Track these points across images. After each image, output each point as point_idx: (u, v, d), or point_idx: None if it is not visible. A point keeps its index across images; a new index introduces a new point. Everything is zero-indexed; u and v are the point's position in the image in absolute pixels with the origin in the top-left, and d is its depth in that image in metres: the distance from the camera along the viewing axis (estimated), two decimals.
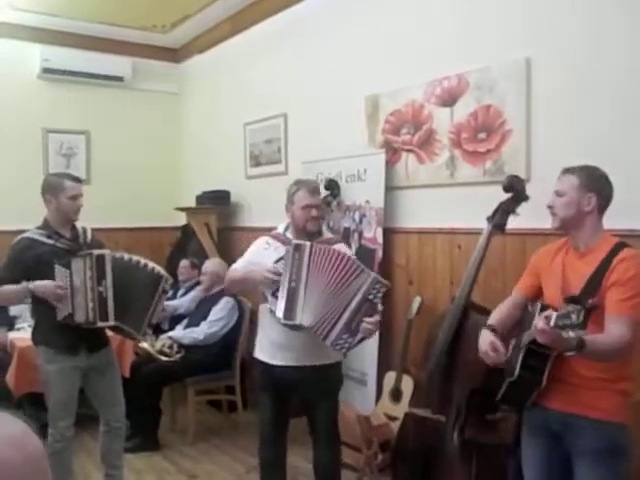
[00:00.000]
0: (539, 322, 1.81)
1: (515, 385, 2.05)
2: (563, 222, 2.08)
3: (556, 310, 1.83)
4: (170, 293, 4.98)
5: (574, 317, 1.67)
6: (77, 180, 2.98)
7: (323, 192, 3.93)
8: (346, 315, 2.49)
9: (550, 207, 2.10)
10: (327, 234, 2.99)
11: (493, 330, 2.19)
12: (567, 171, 2.10)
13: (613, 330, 1.89)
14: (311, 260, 2.56)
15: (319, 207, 2.79)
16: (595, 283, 1.96)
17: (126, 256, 2.96)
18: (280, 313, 2.56)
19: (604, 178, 2.07)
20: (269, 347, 2.78)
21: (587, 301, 1.71)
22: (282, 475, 2.93)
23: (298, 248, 2.58)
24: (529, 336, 1.97)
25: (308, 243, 2.60)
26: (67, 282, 2.79)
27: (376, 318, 2.50)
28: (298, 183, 2.85)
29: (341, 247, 2.77)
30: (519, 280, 2.33)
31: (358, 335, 2.50)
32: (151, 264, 2.99)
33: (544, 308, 2.00)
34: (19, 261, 2.83)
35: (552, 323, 1.73)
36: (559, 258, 2.15)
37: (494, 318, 2.27)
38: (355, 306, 2.49)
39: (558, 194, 2.08)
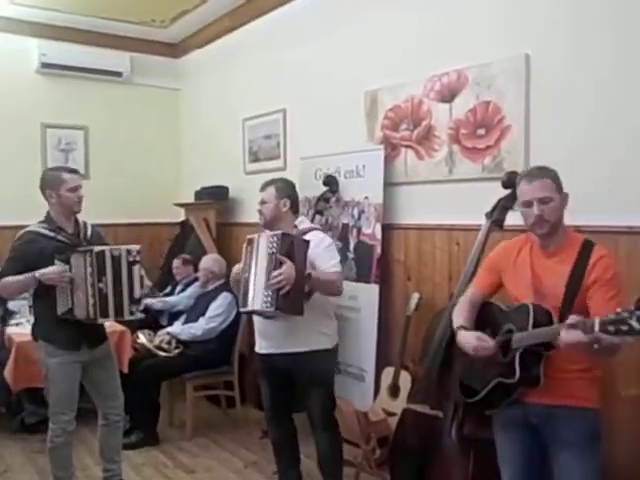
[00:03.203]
0: (569, 334, 1.74)
1: (510, 386, 2.00)
2: (553, 227, 2.03)
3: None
4: (168, 289, 5.01)
5: (635, 324, 1.57)
6: (75, 172, 3.00)
7: (322, 188, 3.95)
8: (263, 277, 2.58)
9: (539, 216, 2.00)
10: (304, 224, 3.00)
11: (465, 329, 2.15)
12: (536, 176, 2.04)
13: None
14: (258, 250, 2.69)
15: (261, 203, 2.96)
16: (575, 282, 1.96)
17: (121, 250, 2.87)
18: (240, 303, 2.76)
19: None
20: (257, 337, 2.97)
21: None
22: (290, 453, 3.07)
23: (250, 242, 2.76)
24: (530, 338, 1.94)
25: (256, 235, 2.74)
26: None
27: (282, 268, 2.53)
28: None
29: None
30: (476, 277, 2.30)
31: (275, 290, 2.54)
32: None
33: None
34: (23, 255, 2.83)
35: (597, 328, 1.65)
36: (523, 255, 2.13)
37: (461, 318, 2.21)
38: (266, 266, 2.58)
39: (544, 201, 1.99)
